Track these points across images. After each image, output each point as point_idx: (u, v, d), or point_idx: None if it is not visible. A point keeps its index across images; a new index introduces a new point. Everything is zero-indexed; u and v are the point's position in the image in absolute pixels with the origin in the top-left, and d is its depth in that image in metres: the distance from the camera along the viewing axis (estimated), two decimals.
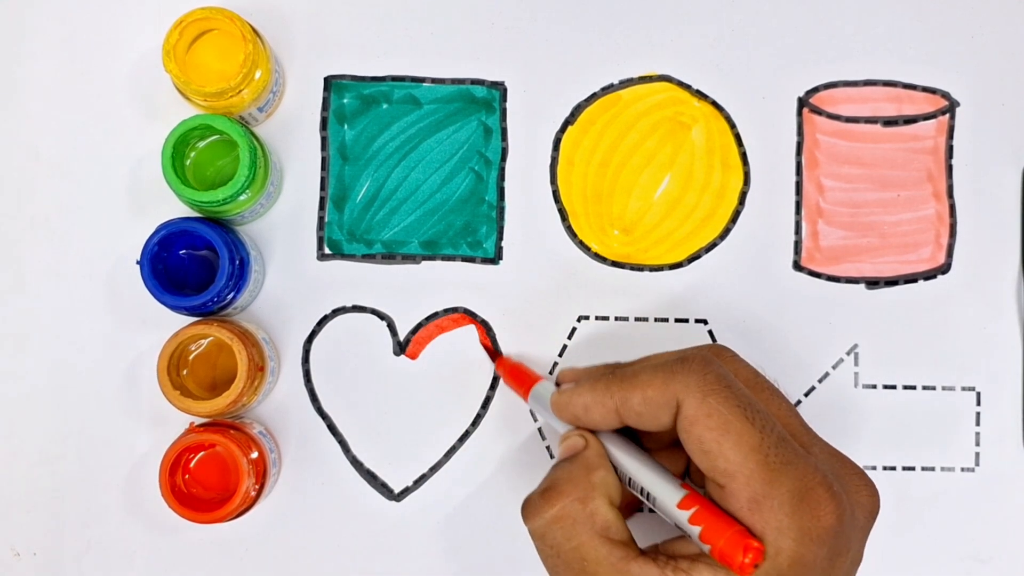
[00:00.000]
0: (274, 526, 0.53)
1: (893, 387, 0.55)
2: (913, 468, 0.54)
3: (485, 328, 0.54)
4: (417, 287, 0.54)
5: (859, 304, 0.55)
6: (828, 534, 0.39)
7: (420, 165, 0.54)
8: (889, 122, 0.55)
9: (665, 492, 0.42)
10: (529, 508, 0.43)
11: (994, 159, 0.55)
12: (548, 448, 0.54)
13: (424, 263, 0.54)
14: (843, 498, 0.40)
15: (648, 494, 0.42)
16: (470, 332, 0.54)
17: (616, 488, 0.43)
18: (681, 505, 0.41)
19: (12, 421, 0.53)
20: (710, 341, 0.54)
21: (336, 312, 0.53)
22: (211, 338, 0.50)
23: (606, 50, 0.55)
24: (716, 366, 0.42)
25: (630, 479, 0.43)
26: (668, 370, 0.42)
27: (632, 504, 0.47)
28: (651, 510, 0.44)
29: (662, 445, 0.46)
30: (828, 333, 0.54)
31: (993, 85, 0.55)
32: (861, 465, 0.54)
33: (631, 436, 0.45)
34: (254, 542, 0.53)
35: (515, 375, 0.51)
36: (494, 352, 0.53)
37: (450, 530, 0.53)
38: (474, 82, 0.54)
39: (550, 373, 0.54)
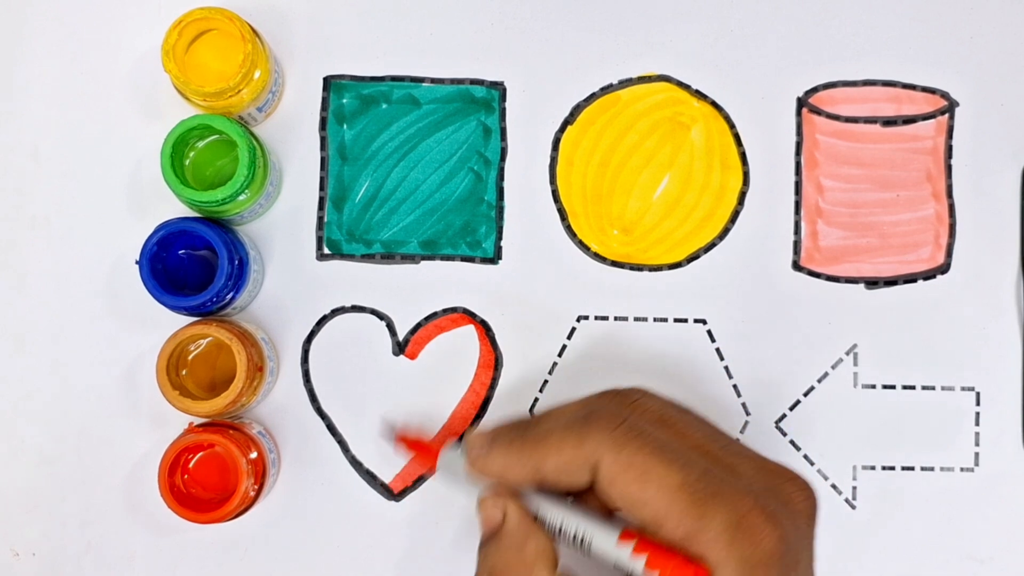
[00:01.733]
0: (273, 526, 0.53)
1: (892, 387, 0.55)
2: (913, 468, 0.54)
3: (484, 328, 0.54)
4: (416, 287, 0.54)
5: (858, 304, 0.55)
6: (772, 558, 0.38)
7: (419, 165, 0.54)
8: (888, 122, 0.55)
9: (601, 530, 0.41)
10: None
11: (994, 159, 0.55)
12: None
13: (423, 263, 0.54)
14: (781, 517, 0.39)
15: (583, 540, 0.41)
16: (470, 332, 0.54)
17: (550, 549, 0.42)
18: (622, 538, 0.40)
19: (12, 421, 0.53)
20: (709, 341, 0.54)
21: (335, 312, 0.54)
22: (210, 338, 0.50)
23: (605, 50, 0.55)
24: (624, 417, 0.41)
25: (560, 528, 0.42)
26: (579, 431, 0.41)
27: None
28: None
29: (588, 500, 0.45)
30: (827, 333, 0.54)
31: (993, 85, 0.55)
32: (861, 465, 0.54)
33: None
34: (253, 542, 0.53)
35: (418, 446, 0.48)
36: (391, 432, 0.49)
37: (449, 530, 0.53)
38: (473, 82, 0.54)
39: (549, 374, 0.54)
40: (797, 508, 0.41)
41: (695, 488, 0.39)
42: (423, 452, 0.47)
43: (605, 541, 0.41)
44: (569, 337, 0.54)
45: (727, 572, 0.38)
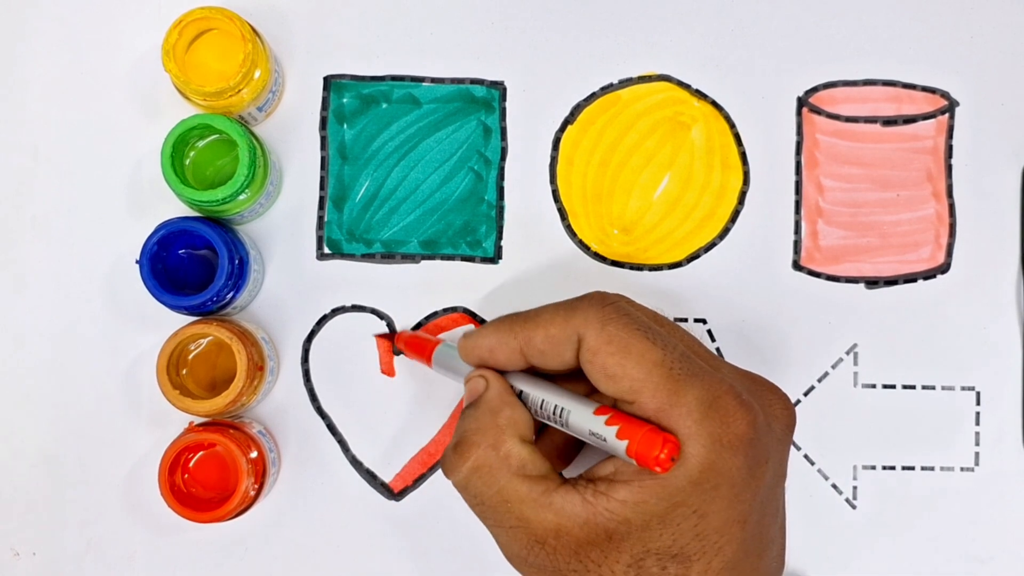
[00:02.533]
0: (273, 526, 0.53)
1: (893, 387, 0.55)
2: (913, 468, 0.54)
3: None
4: (416, 287, 0.54)
5: (859, 304, 0.55)
6: (742, 440, 0.39)
7: (419, 165, 0.54)
8: (889, 122, 0.55)
9: (578, 404, 0.42)
10: (446, 465, 0.43)
11: (994, 159, 0.55)
12: None
13: (423, 263, 0.54)
14: (754, 406, 0.40)
15: (561, 410, 0.42)
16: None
17: (526, 423, 0.44)
18: (597, 412, 0.41)
19: (12, 421, 0.53)
20: (709, 340, 0.54)
21: (335, 312, 0.54)
22: (210, 338, 0.50)
23: (605, 50, 0.55)
24: (614, 299, 0.43)
25: (542, 402, 0.43)
26: (568, 307, 0.42)
27: (560, 453, 0.48)
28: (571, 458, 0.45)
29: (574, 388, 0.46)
30: (827, 333, 0.54)
31: (993, 85, 0.55)
32: (861, 465, 0.54)
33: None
34: (253, 542, 0.53)
35: (416, 344, 0.51)
36: (389, 334, 0.53)
37: (449, 530, 0.53)
38: (473, 82, 0.54)
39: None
40: (774, 413, 0.42)
41: (672, 366, 0.40)
42: (419, 347, 0.50)
43: (581, 414, 0.42)
44: None
45: (695, 447, 0.39)
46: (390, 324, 0.54)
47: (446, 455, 0.44)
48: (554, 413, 0.43)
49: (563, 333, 0.42)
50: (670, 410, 0.39)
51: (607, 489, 0.40)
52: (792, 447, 0.54)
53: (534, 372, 0.45)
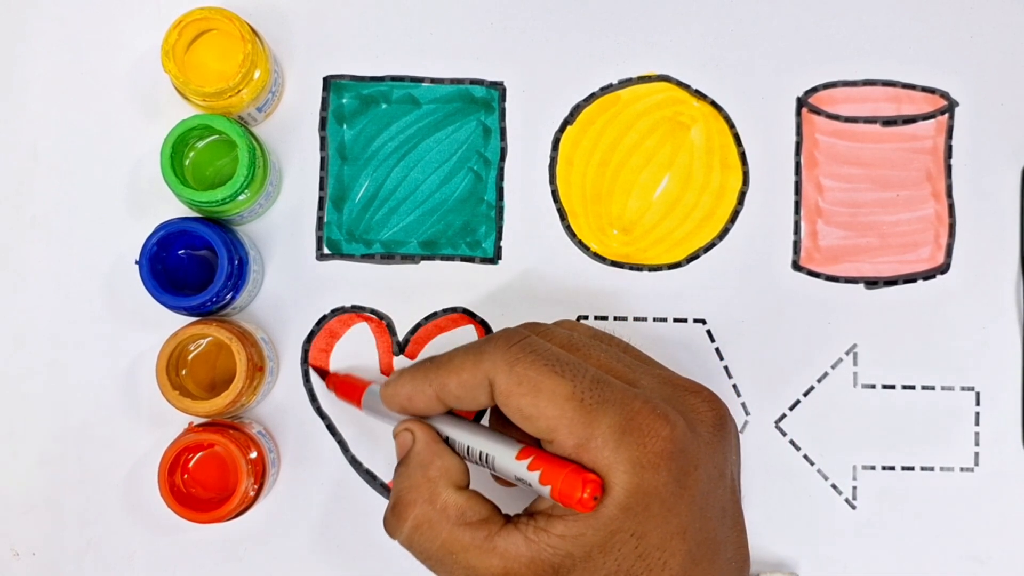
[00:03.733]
0: (273, 526, 0.53)
1: (892, 387, 0.55)
2: (913, 468, 0.54)
3: (484, 328, 0.54)
4: (416, 287, 0.54)
5: (858, 304, 0.55)
6: (662, 456, 0.39)
7: (419, 165, 0.54)
8: (888, 122, 0.55)
9: (502, 449, 0.42)
10: (389, 527, 0.43)
11: (993, 159, 0.55)
12: None
13: (423, 263, 0.54)
14: (671, 416, 0.40)
15: (486, 456, 0.42)
16: (469, 332, 0.54)
17: (459, 469, 0.43)
18: (519, 456, 0.41)
19: (12, 421, 0.53)
20: (709, 341, 0.54)
21: (335, 312, 0.54)
22: (210, 338, 0.50)
23: (605, 50, 0.55)
24: (520, 336, 0.42)
25: (468, 449, 0.43)
26: (476, 351, 0.42)
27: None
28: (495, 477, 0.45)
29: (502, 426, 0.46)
30: (827, 333, 0.54)
31: (992, 85, 0.55)
32: (861, 465, 0.54)
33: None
34: (253, 542, 0.53)
35: (346, 387, 0.51)
36: (322, 371, 0.53)
37: None
38: (473, 82, 0.54)
39: None
40: (699, 416, 0.42)
41: (584, 397, 0.40)
42: (349, 391, 0.50)
43: (505, 459, 0.42)
44: None
45: (618, 475, 0.39)
46: (390, 325, 0.54)
47: (386, 518, 0.44)
48: (480, 458, 0.43)
49: (474, 378, 0.42)
50: (587, 443, 0.39)
51: (546, 525, 0.40)
52: (792, 448, 0.54)
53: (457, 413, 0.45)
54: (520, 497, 0.45)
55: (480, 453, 0.43)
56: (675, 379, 0.44)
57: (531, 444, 0.42)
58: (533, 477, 0.40)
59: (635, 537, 0.39)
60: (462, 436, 0.44)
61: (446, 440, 0.44)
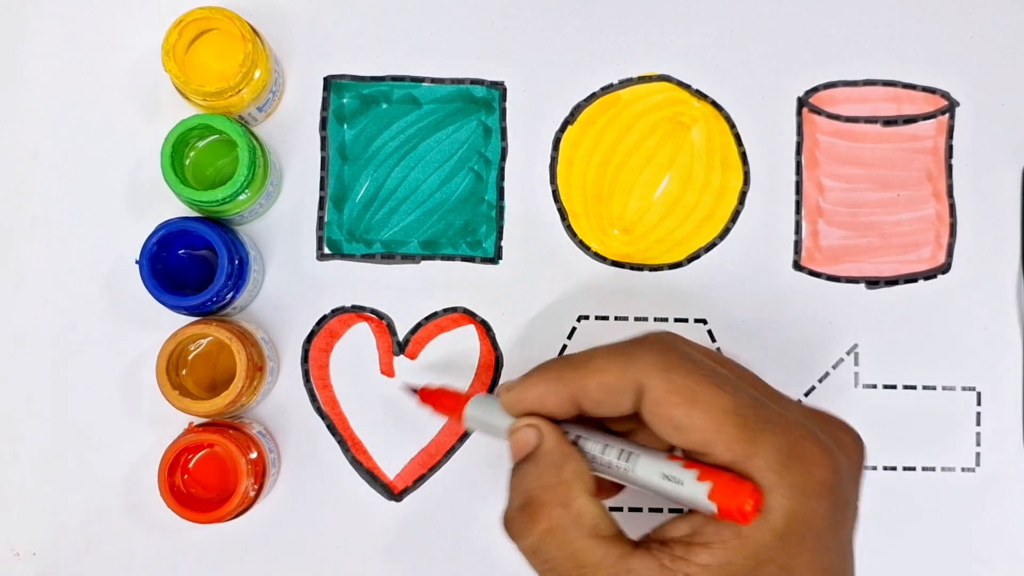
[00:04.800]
0: (273, 526, 0.53)
1: (893, 387, 0.55)
2: (913, 468, 0.54)
3: (484, 328, 0.54)
4: (417, 287, 0.54)
5: (859, 304, 0.55)
6: (825, 487, 0.37)
7: (420, 165, 0.54)
8: (889, 122, 0.55)
9: (646, 451, 0.40)
10: (513, 528, 0.40)
11: (994, 159, 0.55)
12: None
13: (423, 263, 0.54)
14: (835, 450, 0.38)
15: (630, 455, 0.40)
16: (470, 332, 0.54)
17: (589, 476, 0.40)
18: (671, 458, 0.39)
19: (12, 421, 0.53)
20: (710, 341, 0.54)
21: (335, 312, 0.53)
22: (210, 338, 0.50)
23: (605, 50, 0.55)
24: (675, 343, 0.40)
25: (605, 448, 0.40)
26: (625, 353, 0.39)
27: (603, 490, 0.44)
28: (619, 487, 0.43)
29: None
30: (828, 333, 0.54)
31: (993, 85, 0.55)
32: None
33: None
34: (253, 542, 0.53)
35: (442, 400, 0.47)
36: (412, 389, 0.49)
37: (449, 530, 0.53)
38: (474, 82, 0.54)
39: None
40: (847, 451, 0.40)
41: (745, 414, 0.37)
42: (446, 404, 0.47)
43: (653, 458, 0.39)
44: (569, 337, 0.54)
45: (778, 499, 0.36)
46: (390, 324, 0.54)
47: (511, 518, 0.40)
48: (619, 458, 0.40)
49: (621, 382, 0.39)
50: (747, 462, 0.37)
51: (685, 553, 0.37)
52: None
53: (582, 419, 0.42)
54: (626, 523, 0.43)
55: (621, 452, 0.40)
56: (819, 412, 0.41)
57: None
58: (689, 475, 0.38)
59: (783, 570, 0.37)
60: (595, 440, 0.41)
61: (574, 442, 0.41)
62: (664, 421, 0.38)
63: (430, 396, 0.48)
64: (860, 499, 0.41)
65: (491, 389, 0.54)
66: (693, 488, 0.37)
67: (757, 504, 0.36)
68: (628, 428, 0.43)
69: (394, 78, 0.54)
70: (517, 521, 0.40)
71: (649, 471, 0.39)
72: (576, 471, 0.40)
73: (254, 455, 0.50)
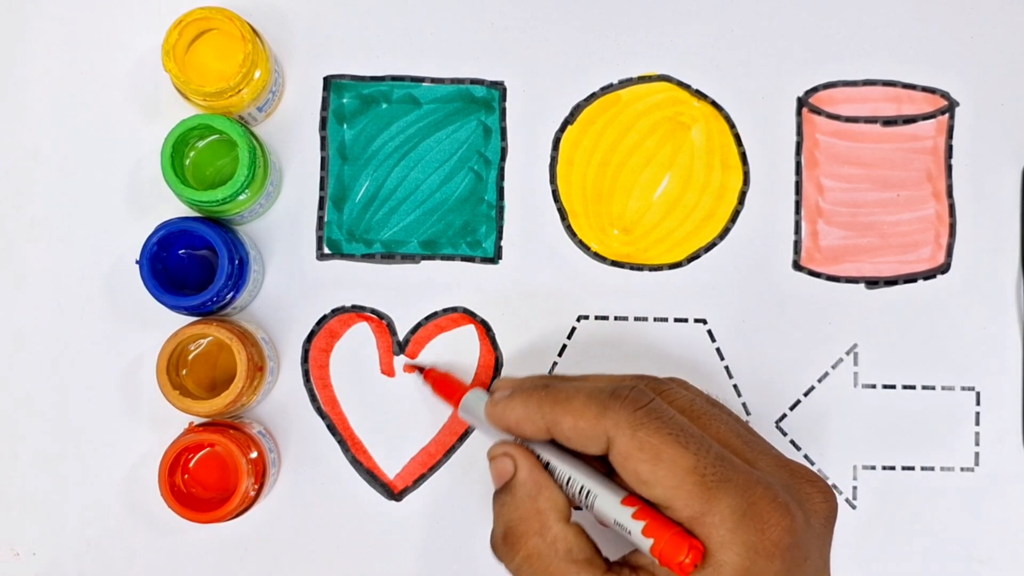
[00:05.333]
0: (274, 526, 0.53)
1: (893, 387, 0.55)
2: (913, 468, 0.54)
3: (484, 328, 0.54)
4: (416, 287, 0.54)
5: (859, 304, 0.55)
6: (778, 547, 0.39)
7: (419, 165, 0.54)
8: (889, 122, 0.55)
9: (606, 491, 0.42)
10: (499, 553, 0.43)
11: (994, 159, 0.55)
12: None
13: (423, 263, 0.54)
14: (792, 507, 0.40)
15: (588, 493, 0.42)
16: (470, 332, 0.54)
17: (563, 500, 0.43)
18: (625, 502, 0.41)
19: (12, 421, 0.53)
20: (709, 341, 0.54)
21: (335, 312, 0.53)
22: (210, 338, 0.50)
23: (605, 50, 0.55)
24: (647, 399, 0.42)
25: (568, 480, 0.43)
26: (600, 403, 0.41)
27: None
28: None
29: (601, 465, 0.45)
30: (827, 333, 0.54)
31: (993, 85, 0.55)
32: (861, 465, 0.54)
33: None
34: (254, 542, 0.53)
35: (444, 385, 0.50)
36: (420, 367, 0.53)
37: (449, 530, 0.53)
38: (473, 82, 0.54)
39: (549, 373, 0.54)
40: (814, 507, 0.41)
41: (706, 472, 0.39)
42: (446, 390, 0.50)
43: (608, 501, 0.41)
44: (569, 337, 0.54)
45: (729, 555, 0.38)
46: (390, 324, 0.54)
47: (496, 544, 0.44)
48: (580, 493, 0.43)
49: (592, 430, 0.41)
50: (703, 518, 0.39)
51: None
52: (792, 448, 0.54)
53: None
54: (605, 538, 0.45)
55: (582, 488, 0.43)
56: (791, 464, 0.43)
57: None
58: (636, 526, 0.40)
59: None
60: (565, 468, 0.43)
61: (546, 466, 0.44)
62: (630, 474, 0.40)
63: (434, 377, 0.51)
64: (828, 552, 0.42)
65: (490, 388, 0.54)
66: (639, 539, 0.40)
67: (695, 560, 0.38)
68: (603, 467, 0.44)
69: (394, 78, 0.54)
70: (501, 548, 0.43)
71: (604, 513, 0.42)
72: (550, 499, 0.43)
73: (254, 455, 0.50)
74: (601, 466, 0.43)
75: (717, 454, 0.40)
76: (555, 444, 0.44)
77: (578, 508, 0.44)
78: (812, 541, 0.41)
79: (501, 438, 0.46)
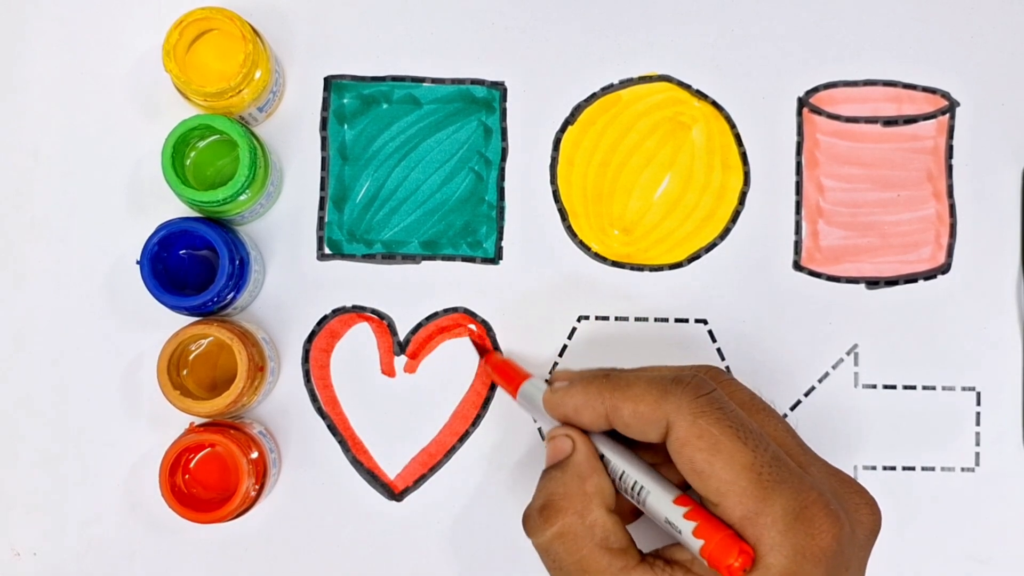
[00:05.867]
0: (274, 526, 0.53)
1: (893, 387, 0.55)
2: (913, 468, 0.54)
3: (485, 328, 0.54)
4: (417, 287, 0.54)
5: (859, 304, 0.55)
6: (825, 554, 0.39)
7: (420, 165, 0.54)
8: (889, 122, 0.55)
9: (659, 488, 0.42)
10: (530, 524, 0.43)
11: (994, 159, 0.55)
12: None
13: (424, 263, 0.54)
14: (841, 516, 0.40)
15: (641, 489, 0.42)
16: (470, 332, 0.54)
17: (611, 492, 0.43)
18: (677, 502, 0.41)
19: (12, 421, 0.53)
20: (710, 341, 0.54)
21: (336, 312, 0.53)
22: (211, 338, 0.50)
23: (606, 50, 0.55)
24: (709, 388, 0.42)
25: (622, 474, 0.43)
26: (661, 388, 0.42)
27: (631, 509, 0.47)
28: (638, 513, 0.45)
29: (654, 459, 0.46)
30: (828, 333, 0.54)
31: (993, 85, 0.55)
32: (862, 465, 0.54)
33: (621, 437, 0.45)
34: (254, 542, 0.53)
35: (504, 372, 0.51)
36: (483, 348, 0.53)
37: (450, 530, 0.53)
38: (474, 82, 0.54)
39: (549, 373, 0.54)
40: (860, 519, 0.42)
41: (762, 471, 0.39)
42: (507, 376, 0.50)
43: (661, 499, 0.41)
44: (569, 337, 0.54)
45: (778, 557, 0.38)
46: (391, 324, 0.54)
47: (530, 515, 0.43)
48: (632, 488, 0.43)
49: (653, 414, 0.41)
50: (755, 518, 0.39)
51: None
52: None
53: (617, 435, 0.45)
54: (646, 534, 0.45)
55: (635, 483, 0.43)
56: (840, 474, 0.43)
57: (686, 491, 0.42)
58: (687, 526, 0.40)
59: None
60: (620, 461, 0.44)
61: (600, 457, 0.44)
62: (685, 462, 0.40)
63: (495, 363, 0.52)
64: (866, 565, 0.42)
65: (492, 387, 0.54)
66: (688, 539, 0.40)
67: (744, 565, 0.38)
68: (656, 460, 0.44)
69: (394, 78, 0.54)
70: (534, 519, 0.43)
71: (655, 510, 0.42)
72: (598, 486, 0.43)
73: (255, 455, 0.50)
74: (655, 461, 0.43)
75: (774, 454, 0.40)
76: (612, 437, 0.44)
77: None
78: (854, 552, 0.41)
79: (553, 426, 0.46)
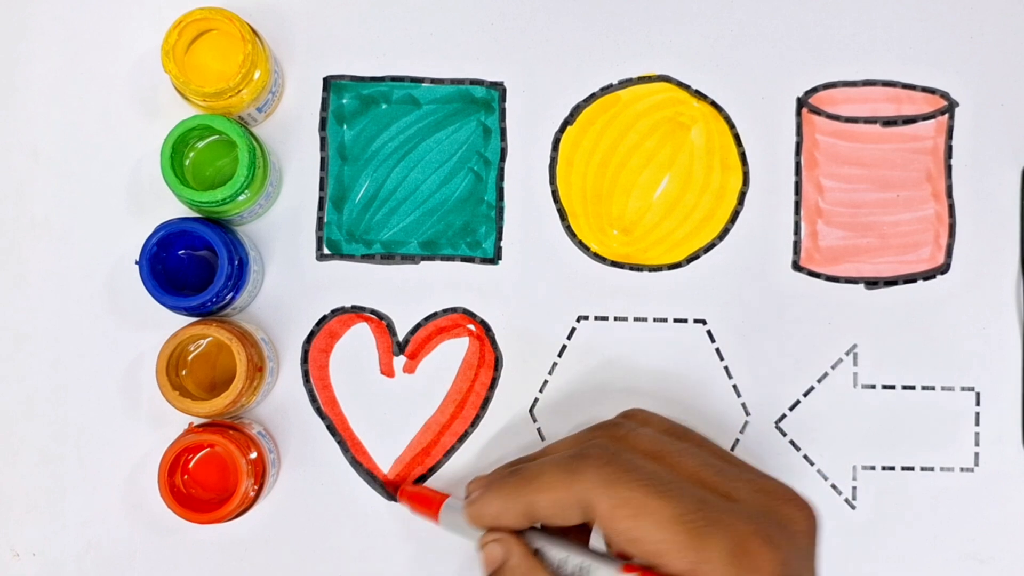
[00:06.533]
0: (273, 526, 0.53)
1: (892, 387, 0.55)
2: (913, 468, 0.54)
3: (484, 328, 0.54)
4: (416, 287, 0.54)
5: (858, 304, 0.55)
6: None
7: (419, 165, 0.54)
8: (888, 122, 0.55)
9: (603, 564, 0.42)
10: None
11: (994, 159, 0.55)
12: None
13: (423, 263, 0.54)
14: (780, 540, 0.40)
15: (586, 569, 0.42)
16: (469, 332, 0.54)
17: None
18: (625, 569, 0.41)
19: (12, 421, 0.53)
20: (709, 341, 0.54)
21: (335, 312, 0.54)
22: (210, 338, 0.50)
23: (605, 50, 0.55)
24: (613, 453, 0.41)
25: (563, 561, 0.43)
26: (568, 469, 0.41)
27: None
28: None
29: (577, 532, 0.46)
30: (827, 333, 0.54)
31: (993, 85, 0.55)
32: (861, 465, 0.54)
33: None
34: (253, 542, 0.53)
35: (421, 500, 0.50)
36: (395, 485, 0.53)
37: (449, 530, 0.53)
38: (473, 82, 0.54)
39: (549, 374, 0.54)
40: (797, 528, 0.41)
41: (691, 519, 0.39)
42: (423, 504, 0.50)
43: (607, 574, 0.41)
44: (569, 337, 0.54)
45: None
46: (390, 325, 0.54)
47: None
48: (578, 572, 0.42)
49: (568, 498, 0.41)
50: (698, 567, 0.39)
51: None
52: (792, 448, 0.54)
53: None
54: None
55: (579, 567, 0.42)
56: (768, 485, 0.43)
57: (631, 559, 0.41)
58: None
59: None
60: (557, 550, 0.43)
61: (535, 552, 0.44)
62: (618, 534, 0.40)
63: (409, 494, 0.51)
64: (815, 563, 0.42)
65: (492, 387, 0.54)
66: None
67: None
68: (584, 539, 0.44)
69: (394, 78, 0.54)
70: None
71: None
72: None
73: (254, 455, 0.50)
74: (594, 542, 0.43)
75: (697, 498, 0.40)
76: (543, 529, 0.44)
77: None
78: (801, 562, 0.41)
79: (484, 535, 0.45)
